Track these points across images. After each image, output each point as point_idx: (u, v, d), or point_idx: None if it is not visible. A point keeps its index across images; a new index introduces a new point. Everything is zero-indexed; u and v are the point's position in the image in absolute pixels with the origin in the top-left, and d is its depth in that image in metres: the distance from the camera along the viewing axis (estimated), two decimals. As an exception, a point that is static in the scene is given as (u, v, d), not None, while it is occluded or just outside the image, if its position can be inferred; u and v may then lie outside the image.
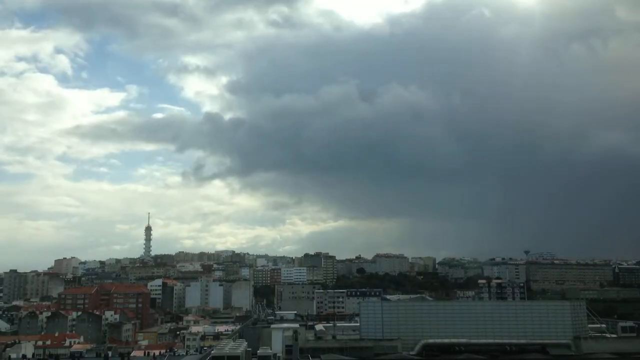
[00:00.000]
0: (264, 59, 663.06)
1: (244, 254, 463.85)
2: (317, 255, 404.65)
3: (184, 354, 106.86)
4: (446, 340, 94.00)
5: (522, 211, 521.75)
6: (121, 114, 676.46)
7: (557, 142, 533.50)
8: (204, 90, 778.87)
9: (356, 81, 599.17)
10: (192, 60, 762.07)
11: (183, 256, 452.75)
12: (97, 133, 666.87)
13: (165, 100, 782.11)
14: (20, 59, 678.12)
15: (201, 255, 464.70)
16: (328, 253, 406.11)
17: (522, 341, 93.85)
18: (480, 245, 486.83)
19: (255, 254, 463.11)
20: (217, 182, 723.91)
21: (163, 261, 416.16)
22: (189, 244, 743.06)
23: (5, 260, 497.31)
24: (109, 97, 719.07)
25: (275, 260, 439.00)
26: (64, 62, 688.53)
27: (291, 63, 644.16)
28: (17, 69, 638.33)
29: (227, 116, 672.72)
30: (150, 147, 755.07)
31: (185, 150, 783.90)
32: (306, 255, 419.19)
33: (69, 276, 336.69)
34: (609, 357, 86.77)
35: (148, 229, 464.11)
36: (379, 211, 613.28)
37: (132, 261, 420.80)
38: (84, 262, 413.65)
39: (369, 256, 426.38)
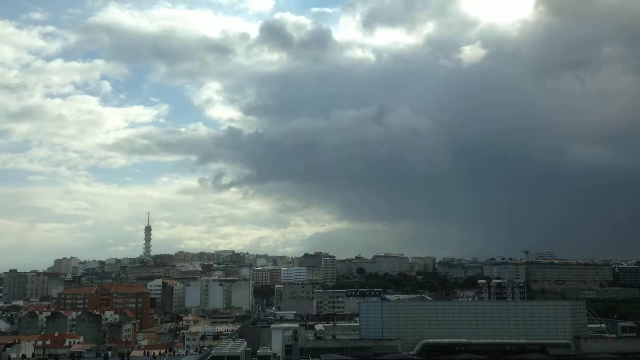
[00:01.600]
0: (285, 85, 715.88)
1: (244, 254, 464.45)
2: (317, 255, 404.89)
3: (184, 354, 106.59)
4: (446, 340, 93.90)
5: (520, 213, 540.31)
6: (150, 128, 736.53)
7: (546, 155, 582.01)
8: (227, 110, 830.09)
9: (368, 105, 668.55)
10: (217, 85, 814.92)
11: (183, 256, 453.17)
12: (128, 146, 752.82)
13: (191, 118, 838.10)
14: (70, 84, 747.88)
15: (201, 255, 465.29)
16: (328, 253, 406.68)
17: (522, 341, 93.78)
18: (480, 245, 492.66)
19: (255, 254, 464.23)
20: (233, 190, 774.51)
21: (163, 261, 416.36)
22: (194, 245, 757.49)
23: (14, 261, 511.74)
24: (142, 115, 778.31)
25: (275, 260, 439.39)
26: (107, 87, 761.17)
27: (308, 89, 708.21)
28: (65, 91, 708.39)
29: (247, 132, 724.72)
30: (174, 158, 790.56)
31: (206, 162, 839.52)
32: (306, 255, 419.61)
33: (69, 276, 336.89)
34: (609, 358, 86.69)
35: (148, 229, 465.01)
36: (382, 215, 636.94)
37: (132, 261, 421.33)
38: (84, 263, 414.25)
39: (369, 256, 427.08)
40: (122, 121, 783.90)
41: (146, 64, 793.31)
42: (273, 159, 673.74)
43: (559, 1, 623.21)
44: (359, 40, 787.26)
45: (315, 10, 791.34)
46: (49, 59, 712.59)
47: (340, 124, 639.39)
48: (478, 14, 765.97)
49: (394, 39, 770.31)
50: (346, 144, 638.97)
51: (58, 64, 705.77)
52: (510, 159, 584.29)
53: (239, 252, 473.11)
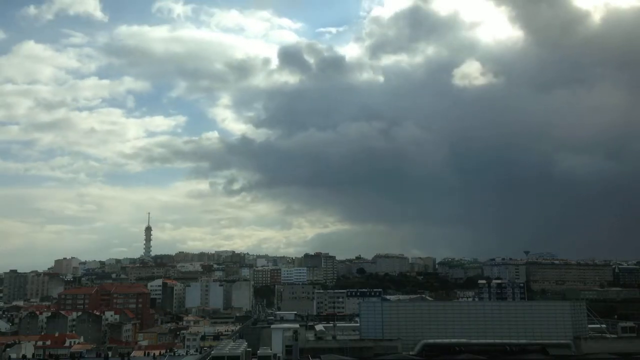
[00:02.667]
0: (296, 100, 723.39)
1: (244, 254, 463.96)
2: (317, 255, 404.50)
3: (184, 354, 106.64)
4: (446, 340, 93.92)
5: (520, 215, 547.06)
6: (167, 137, 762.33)
7: (544, 160, 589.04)
8: (240, 123, 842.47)
9: (374, 119, 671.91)
10: (232, 99, 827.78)
11: (183, 256, 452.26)
12: (145, 154, 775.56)
13: (206, 128, 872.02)
14: (98, 98, 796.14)
15: (201, 255, 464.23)
16: (328, 253, 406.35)
17: (522, 341, 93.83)
18: (480, 246, 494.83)
19: (255, 254, 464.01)
20: (243, 194, 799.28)
21: (163, 261, 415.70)
22: (197, 246, 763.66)
23: (17, 262, 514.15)
24: (161, 125, 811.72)
25: (275, 260, 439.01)
26: (130, 100, 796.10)
27: (319, 104, 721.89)
28: (92, 105, 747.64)
29: (259, 141, 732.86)
30: (188, 164, 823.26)
31: (219, 168, 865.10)
32: (306, 255, 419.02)
33: (69, 277, 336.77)
34: (609, 357, 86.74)
35: (148, 230, 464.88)
36: (384, 216, 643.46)
37: (132, 261, 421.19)
38: (84, 263, 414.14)
39: (369, 257, 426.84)
40: (141, 131, 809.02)
41: (169, 81, 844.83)
42: (282, 166, 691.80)
43: (544, 35, 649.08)
44: (367, 62, 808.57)
45: (328, 35, 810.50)
46: (82, 76, 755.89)
47: (347, 135, 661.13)
48: (476, 40, 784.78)
49: (399, 60, 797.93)
50: (352, 152, 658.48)
51: (91, 81, 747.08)
52: (509, 164, 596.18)
53: (239, 252, 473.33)
